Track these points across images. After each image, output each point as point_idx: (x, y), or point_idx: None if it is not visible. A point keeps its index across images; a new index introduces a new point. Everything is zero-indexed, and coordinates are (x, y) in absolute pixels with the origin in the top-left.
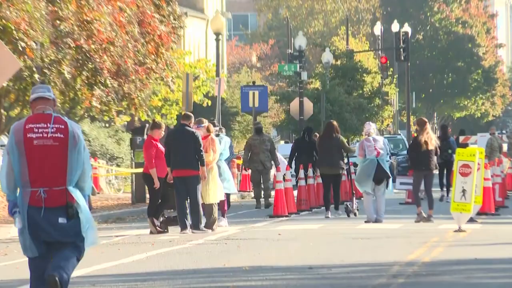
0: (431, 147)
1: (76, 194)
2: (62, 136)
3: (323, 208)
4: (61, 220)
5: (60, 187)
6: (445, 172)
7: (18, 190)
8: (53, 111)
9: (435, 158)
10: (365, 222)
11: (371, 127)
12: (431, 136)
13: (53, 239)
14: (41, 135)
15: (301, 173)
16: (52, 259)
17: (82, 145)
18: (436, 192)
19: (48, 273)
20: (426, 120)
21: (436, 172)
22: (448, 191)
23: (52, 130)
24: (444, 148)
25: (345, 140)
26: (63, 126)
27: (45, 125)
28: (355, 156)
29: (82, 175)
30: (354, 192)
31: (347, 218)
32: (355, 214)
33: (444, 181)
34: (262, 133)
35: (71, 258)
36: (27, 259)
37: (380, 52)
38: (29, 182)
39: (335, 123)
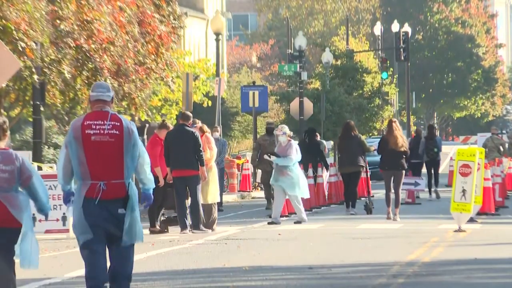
0: (399, 148)
1: (132, 188)
2: (117, 132)
3: (323, 208)
4: (121, 211)
5: (119, 181)
6: (432, 171)
7: (77, 182)
8: (110, 108)
9: (403, 159)
10: (269, 223)
11: None
12: (399, 137)
13: (111, 229)
14: (98, 131)
15: None
16: (112, 261)
17: (137, 141)
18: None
19: None
20: (394, 120)
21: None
22: (435, 187)
23: (109, 127)
24: (430, 147)
25: (364, 139)
26: (118, 124)
27: (102, 122)
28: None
29: (140, 169)
30: (369, 190)
31: (347, 218)
32: (371, 211)
33: (433, 181)
34: (273, 134)
35: (129, 258)
36: None
37: (380, 52)
38: (89, 176)
39: (352, 122)
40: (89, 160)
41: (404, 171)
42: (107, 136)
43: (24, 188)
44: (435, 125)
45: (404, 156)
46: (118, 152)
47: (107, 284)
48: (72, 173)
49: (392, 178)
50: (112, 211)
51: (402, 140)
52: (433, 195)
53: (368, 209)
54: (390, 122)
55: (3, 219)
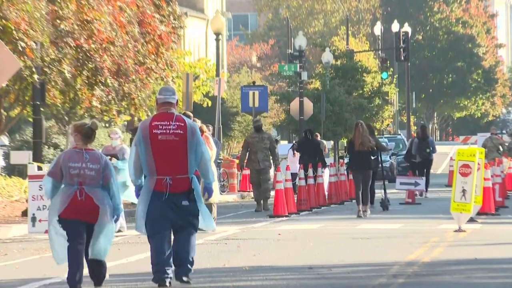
0: (365, 148)
1: (195, 182)
2: (182, 132)
3: (323, 208)
4: (184, 202)
5: (183, 175)
6: (425, 170)
7: (145, 177)
8: (175, 110)
9: (370, 158)
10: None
11: None
12: (365, 138)
13: (177, 219)
14: (164, 131)
15: (301, 173)
16: (176, 247)
17: (200, 140)
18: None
19: (179, 272)
20: (360, 122)
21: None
22: (427, 188)
23: (174, 127)
24: (423, 147)
25: (379, 140)
26: (182, 124)
27: (168, 123)
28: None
29: (202, 165)
30: (385, 187)
31: (347, 218)
32: (387, 208)
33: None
34: (262, 130)
35: (192, 245)
36: (27, 259)
37: (380, 52)
38: (156, 171)
39: (369, 124)
40: (156, 157)
41: (371, 170)
42: (172, 135)
43: (102, 187)
44: (436, 125)
45: (371, 156)
46: (182, 150)
47: (170, 269)
48: (141, 169)
49: (361, 178)
50: (177, 203)
51: (368, 141)
52: (425, 194)
53: (385, 206)
54: (356, 125)
55: (92, 216)
